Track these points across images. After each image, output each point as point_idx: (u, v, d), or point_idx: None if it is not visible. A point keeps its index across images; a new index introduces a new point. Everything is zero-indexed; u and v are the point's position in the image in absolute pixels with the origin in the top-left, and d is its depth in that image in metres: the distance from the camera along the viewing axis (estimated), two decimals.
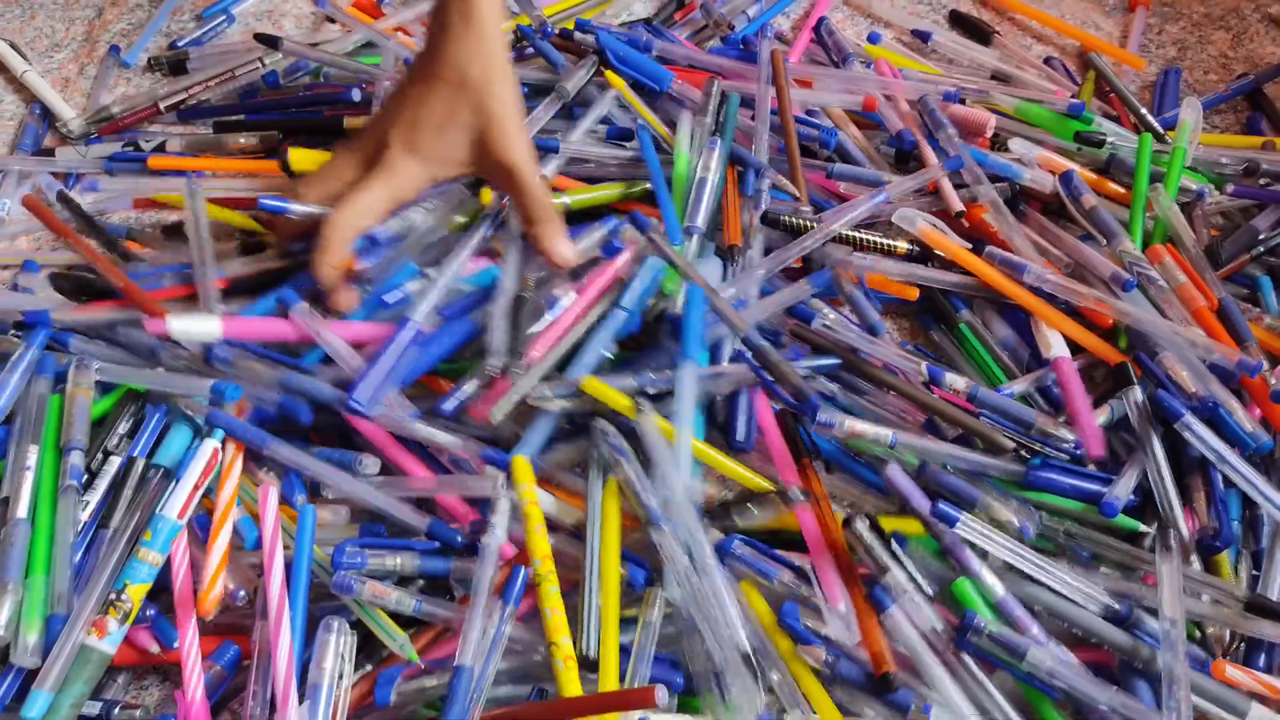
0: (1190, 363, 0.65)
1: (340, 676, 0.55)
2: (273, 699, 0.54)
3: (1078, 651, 0.57)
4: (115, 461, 0.62)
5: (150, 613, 0.58)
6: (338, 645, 0.55)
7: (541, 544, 0.57)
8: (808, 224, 0.72)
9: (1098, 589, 0.58)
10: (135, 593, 0.57)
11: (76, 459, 0.61)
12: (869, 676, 0.54)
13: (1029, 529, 0.59)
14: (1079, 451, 0.63)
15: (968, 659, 0.55)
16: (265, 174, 0.81)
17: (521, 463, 0.60)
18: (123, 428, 0.63)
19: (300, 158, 0.77)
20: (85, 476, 0.61)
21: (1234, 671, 0.56)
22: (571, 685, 0.52)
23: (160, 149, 0.84)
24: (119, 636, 0.56)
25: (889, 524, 0.59)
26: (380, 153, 0.68)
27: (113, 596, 0.57)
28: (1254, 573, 0.61)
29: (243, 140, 0.84)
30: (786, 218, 0.72)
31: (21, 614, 0.57)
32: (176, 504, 0.59)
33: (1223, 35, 0.97)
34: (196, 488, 0.60)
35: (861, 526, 0.57)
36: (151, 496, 0.61)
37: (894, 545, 0.57)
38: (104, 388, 0.66)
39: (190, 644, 0.57)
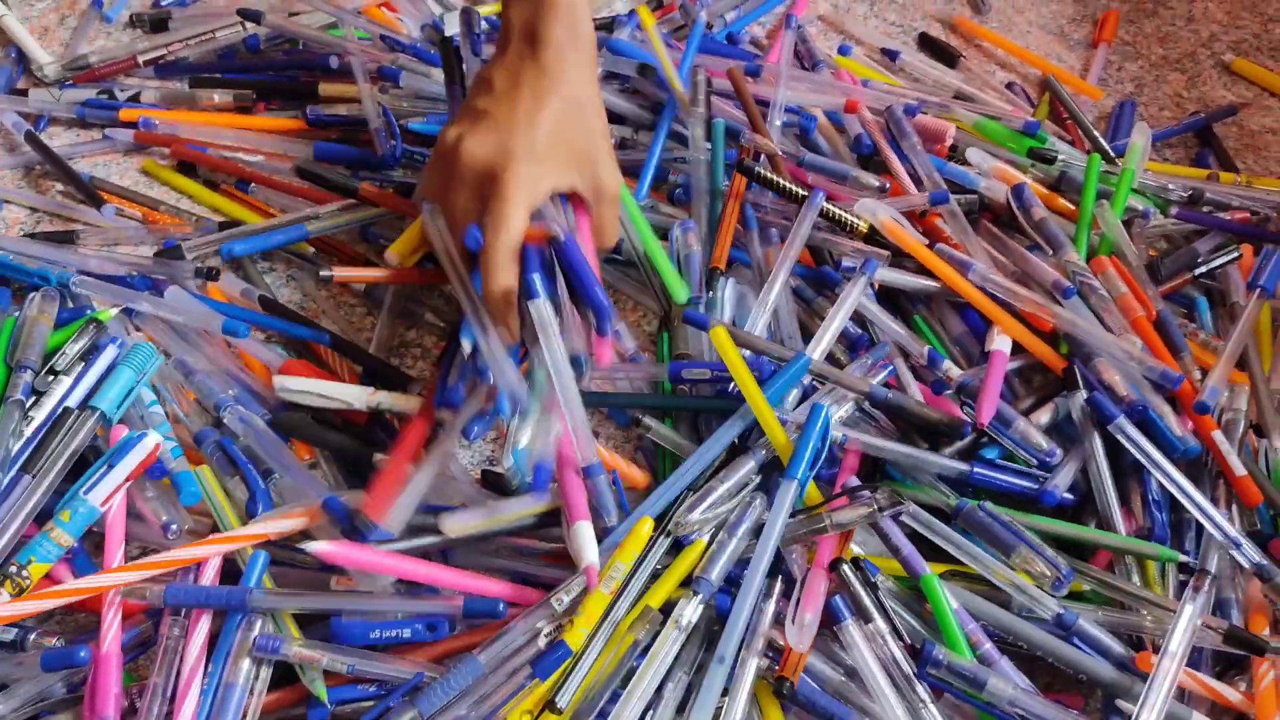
0: (1124, 369, 0.68)
1: (256, 678, 0.54)
2: (174, 694, 0.54)
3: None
4: (64, 382, 0.62)
5: (74, 547, 0.58)
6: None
7: (597, 611, 0.56)
8: (788, 185, 0.75)
9: (1030, 584, 0.59)
10: (36, 571, 0.57)
11: (27, 377, 0.61)
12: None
13: (1062, 585, 0.59)
14: (1050, 459, 0.65)
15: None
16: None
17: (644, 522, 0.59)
18: (73, 350, 0.63)
19: (400, 248, 0.71)
20: (33, 396, 0.61)
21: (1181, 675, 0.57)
22: None
23: (135, 100, 0.85)
24: (3, 611, 0.56)
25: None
26: (505, 168, 0.64)
27: (13, 569, 0.56)
28: (1181, 578, 0.63)
29: (216, 97, 0.85)
30: (761, 170, 0.75)
31: None
32: (102, 492, 0.58)
33: (1178, 76, 1.00)
34: (128, 479, 0.59)
35: (848, 570, 0.58)
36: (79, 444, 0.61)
37: (880, 595, 0.58)
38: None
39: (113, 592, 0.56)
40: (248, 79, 0.86)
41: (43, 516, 0.59)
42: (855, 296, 0.70)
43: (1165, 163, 0.91)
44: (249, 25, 0.88)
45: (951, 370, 0.68)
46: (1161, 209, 0.81)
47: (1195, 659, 0.60)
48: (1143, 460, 0.64)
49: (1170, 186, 0.83)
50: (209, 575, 0.58)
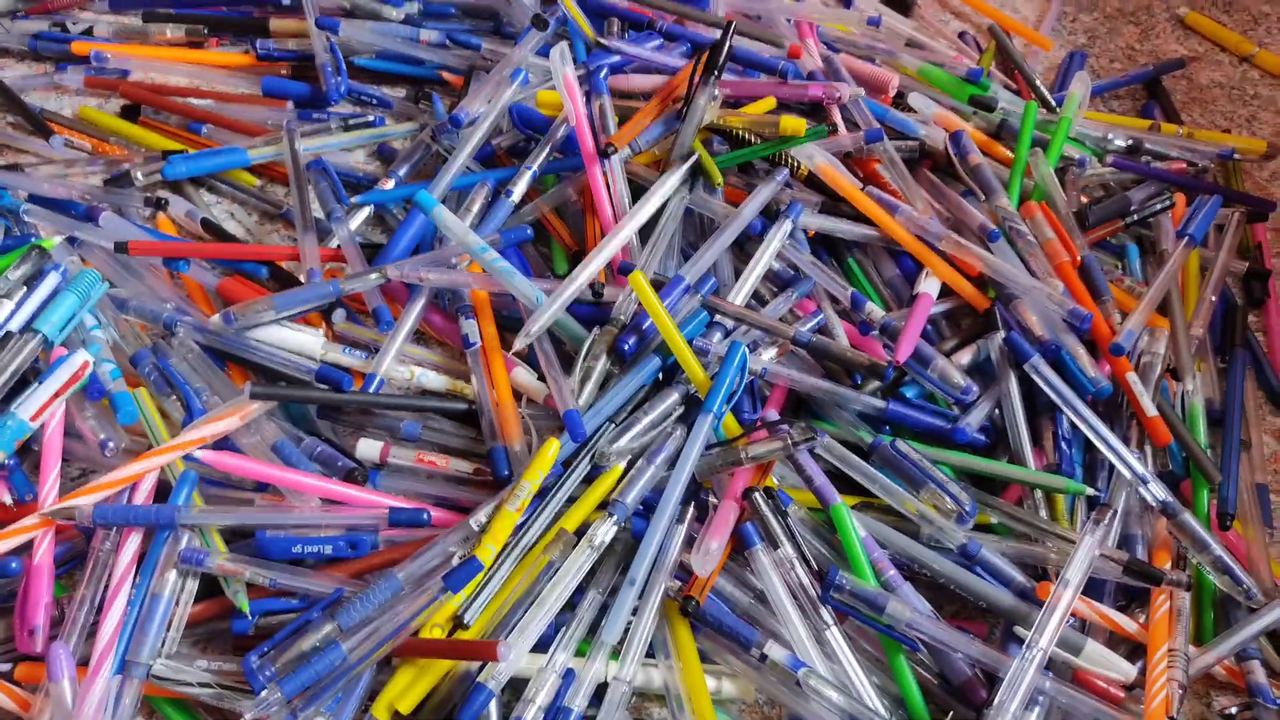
0: (1043, 311, 0.69)
1: (182, 590, 0.57)
2: (102, 604, 0.56)
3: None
4: (5, 306, 0.64)
5: (9, 463, 0.60)
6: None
7: (506, 529, 0.58)
8: (750, 136, 0.75)
9: (937, 515, 0.61)
10: None
11: None
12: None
13: (966, 520, 0.61)
14: (966, 398, 0.66)
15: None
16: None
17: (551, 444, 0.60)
18: (14, 275, 0.65)
19: None
20: None
21: (1077, 603, 0.59)
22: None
23: (87, 33, 0.86)
24: None
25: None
26: None
27: None
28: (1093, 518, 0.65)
29: (169, 32, 0.85)
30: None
31: None
32: (32, 406, 0.60)
33: (1132, 29, 1.01)
34: (57, 394, 0.61)
35: (760, 498, 0.60)
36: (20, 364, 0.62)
37: (789, 522, 0.60)
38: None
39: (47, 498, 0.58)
40: (200, 14, 0.87)
41: None
42: (779, 240, 0.71)
43: (1112, 113, 0.92)
44: None
45: (874, 312, 0.70)
46: (1099, 157, 0.82)
47: (1099, 592, 0.62)
48: (1055, 399, 0.66)
49: (1110, 136, 0.84)
50: (143, 492, 0.60)
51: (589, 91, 0.76)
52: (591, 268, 0.67)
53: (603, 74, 0.77)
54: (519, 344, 0.65)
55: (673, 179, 0.72)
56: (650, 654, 0.58)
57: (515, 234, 0.72)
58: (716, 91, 0.74)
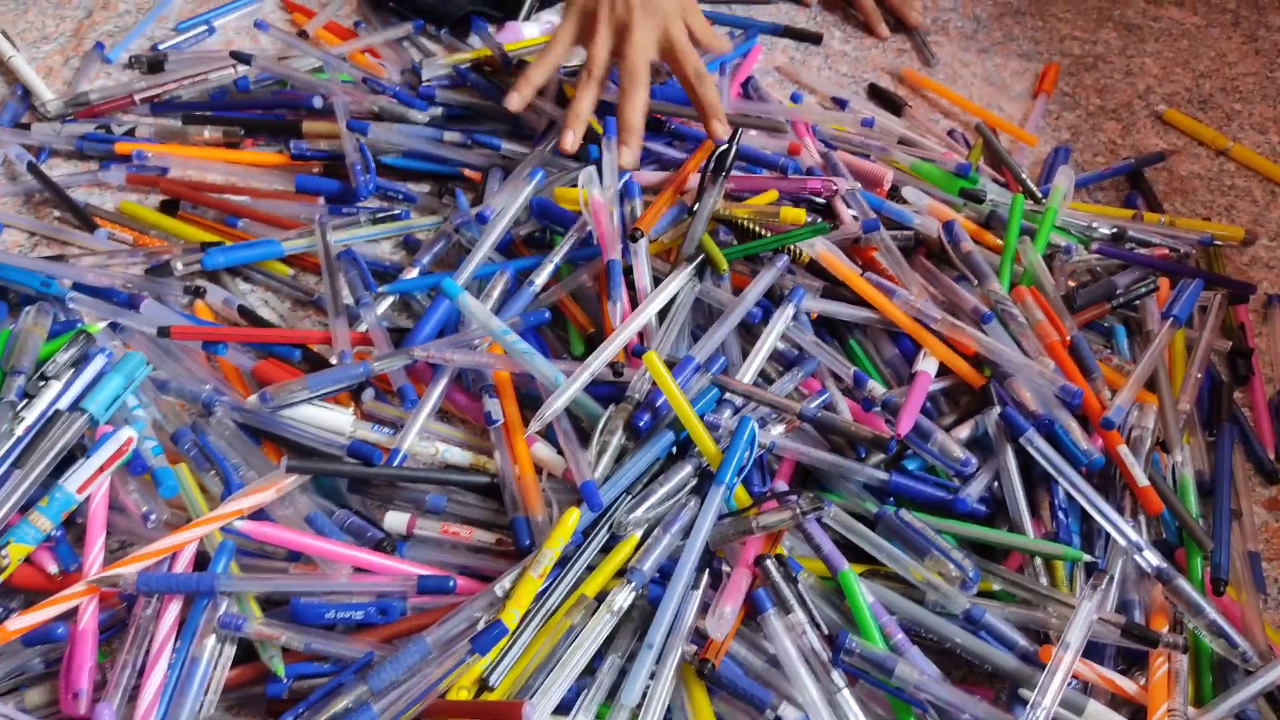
0: (1036, 388, 0.73)
1: (220, 654, 0.59)
2: (143, 668, 0.58)
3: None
4: (54, 387, 0.67)
5: (57, 534, 0.63)
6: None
7: (529, 595, 0.60)
8: (755, 228, 0.80)
9: (942, 582, 0.64)
10: (15, 552, 0.61)
11: (20, 381, 0.67)
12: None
13: (969, 586, 0.64)
14: (965, 470, 0.69)
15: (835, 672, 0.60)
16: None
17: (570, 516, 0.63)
18: (63, 358, 0.69)
19: None
20: (24, 399, 0.67)
21: (1079, 666, 0.61)
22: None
23: (130, 134, 0.91)
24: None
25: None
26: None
27: None
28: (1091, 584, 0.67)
29: (207, 134, 0.91)
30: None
31: None
32: (79, 479, 0.63)
33: (1114, 125, 1.07)
34: (101, 469, 0.64)
35: (771, 565, 0.63)
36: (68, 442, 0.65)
37: (800, 588, 0.63)
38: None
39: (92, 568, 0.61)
40: (237, 116, 0.92)
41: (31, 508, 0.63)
42: (783, 322, 0.75)
43: (1096, 204, 0.97)
44: (240, 67, 0.95)
45: (876, 389, 0.73)
46: (1084, 244, 0.87)
47: (1100, 655, 0.65)
48: (1050, 470, 0.69)
49: (1095, 224, 0.89)
50: (183, 561, 0.63)
51: (622, 195, 0.82)
52: (599, 362, 0.71)
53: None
54: (533, 428, 0.69)
55: (681, 276, 0.77)
56: (668, 716, 0.60)
57: (534, 317, 0.77)
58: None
